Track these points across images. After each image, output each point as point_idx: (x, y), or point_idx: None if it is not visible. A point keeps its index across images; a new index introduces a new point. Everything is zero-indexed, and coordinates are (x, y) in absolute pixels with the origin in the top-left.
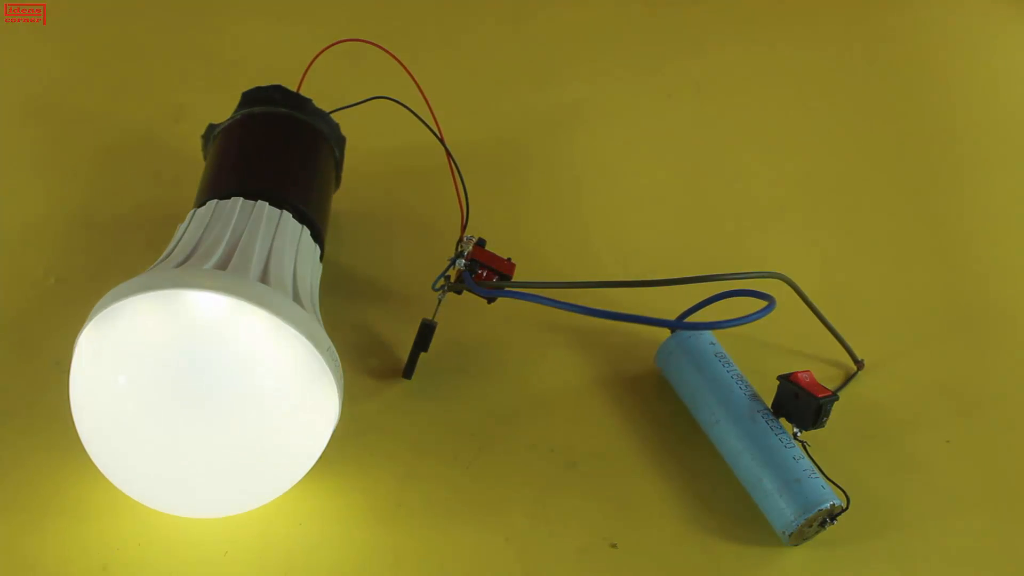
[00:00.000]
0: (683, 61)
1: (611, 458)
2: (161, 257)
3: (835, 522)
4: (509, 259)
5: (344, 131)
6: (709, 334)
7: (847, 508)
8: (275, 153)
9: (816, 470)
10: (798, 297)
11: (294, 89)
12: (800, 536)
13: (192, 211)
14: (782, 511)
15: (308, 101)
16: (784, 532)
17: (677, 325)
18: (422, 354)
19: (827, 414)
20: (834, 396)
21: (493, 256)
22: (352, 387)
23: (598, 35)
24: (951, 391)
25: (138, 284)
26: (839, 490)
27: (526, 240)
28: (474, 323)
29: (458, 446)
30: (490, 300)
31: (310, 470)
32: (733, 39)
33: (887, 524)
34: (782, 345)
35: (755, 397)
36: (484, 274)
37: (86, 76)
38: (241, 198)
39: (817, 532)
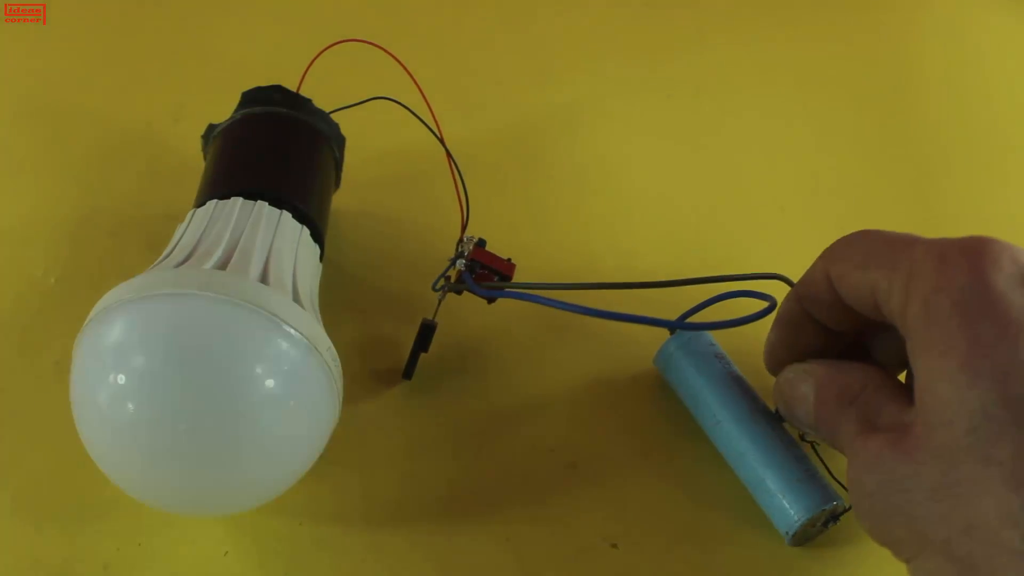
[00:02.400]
0: (683, 61)
1: (611, 458)
2: (161, 257)
3: (838, 522)
4: (509, 259)
5: (344, 131)
6: (708, 335)
7: (850, 508)
8: (275, 153)
9: (820, 470)
10: None
11: (294, 89)
12: (803, 536)
13: (192, 211)
14: (785, 511)
15: (308, 101)
16: (787, 532)
17: (676, 325)
18: (422, 354)
19: None
20: None
21: (493, 256)
22: (352, 387)
23: (598, 35)
24: None
25: (138, 284)
26: (842, 490)
27: (526, 240)
28: (474, 323)
29: (458, 446)
30: (490, 300)
31: (310, 470)
32: (733, 39)
33: None
34: None
35: (756, 397)
36: (484, 274)
37: (86, 76)
38: (241, 198)
39: (820, 532)
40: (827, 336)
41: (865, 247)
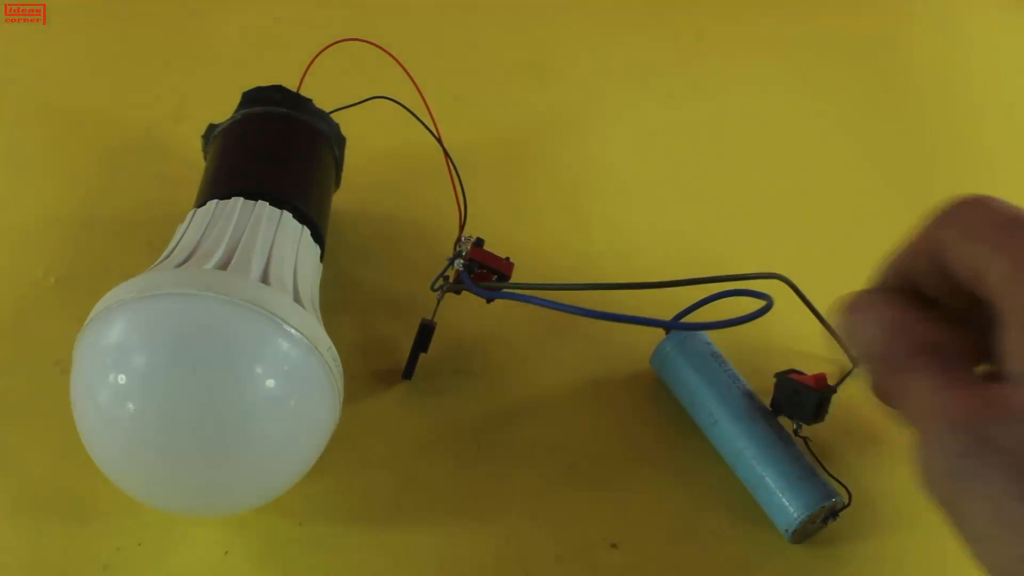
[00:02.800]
0: (683, 61)
1: (611, 458)
2: (161, 257)
3: (837, 518)
4: (507, 259)
5: (344, 131)
6: (704, 335)
7: (849, 504)
8: (275, 153)
9: (818, 467)
10: (797, 297)
11: (294, 89)
12: (803, 533)
13: (192, 211)
14: (785, 508)
15: (308, 101)
16: (787, 530)
17: (672, 325)
18: (422, 354)
19: (827, 407)
20: (833, 389)
21: (491, 256)
22: (352, 387)
23: (598, 35)
24: None
25: (138, 284)
26: (840, 486)
27: (525, 240)
28: (473, 323)
29: (458, 446)
30: (489, 300)
31: (310, 470)
32: (733, 39)
33: (888, 521)
34: (780, 345)
35: (753, 396)
36: (483, 274)
37: (86, 76)
38: (241, 198)
39: (819, 529)
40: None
41: (977, 217)
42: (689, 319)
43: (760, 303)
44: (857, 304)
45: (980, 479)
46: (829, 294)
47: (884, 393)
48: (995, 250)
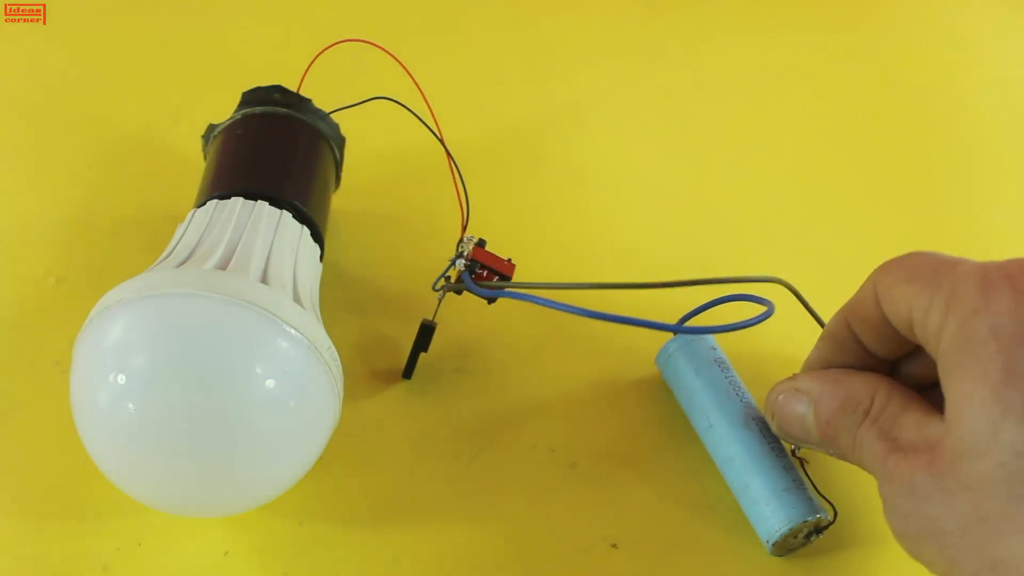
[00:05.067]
0: (683, 61)
1: (611, 459)
2: (161, 257)
3: (821, 536)
4: (509, 259)
5: (344, 131)
6: (711, 339)
7: (834, 522)
8: (275, 153)
9: (805, 482)
10: (798, 301)
11: (294, 89)
12: (784, 547)
13: (192, 211)
14: (767, 519)
15: (308, 101)
16: (768, 541)
17: (676, 329)
18: (422, 354)
19: None
20: None
21: (493, 256)
22: (352, 387)
23: (598, 35)
24: None
25: (138, 284)
26: (827, 504)
27: (526, 240)
28: (474, 323)
29: (458, 446)
30: (490, 300)
31: (310, 470)
32: (734, 39)
33: (876, 540)
34: (780, 350)
35: (752, 404)
36: (484, 274)
37: (86, 76)
38: (241, 198)
39: (803, 545)
40: (867, 360)
41: (914, 264)
42: (691, 323)
43: (762, 308)
44: (788, 387)
45: (930, 535)
46: (830, 298)
47: (833, 453)
48: (931, 288)
